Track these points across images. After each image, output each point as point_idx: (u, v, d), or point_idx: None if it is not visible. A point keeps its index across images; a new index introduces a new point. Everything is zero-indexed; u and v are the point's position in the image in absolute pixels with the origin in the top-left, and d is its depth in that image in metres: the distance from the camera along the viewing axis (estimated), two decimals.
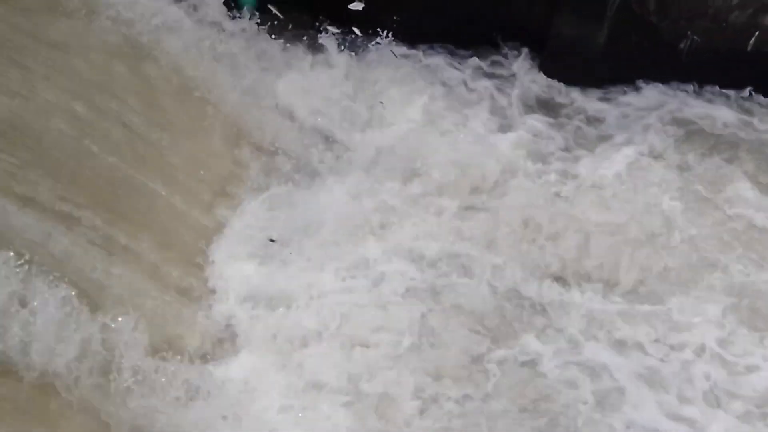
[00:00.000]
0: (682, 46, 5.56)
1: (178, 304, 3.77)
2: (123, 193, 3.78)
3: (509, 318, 4.19)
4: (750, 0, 5.22)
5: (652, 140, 5.31)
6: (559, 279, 4.42)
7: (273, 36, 5.41)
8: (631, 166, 5.07)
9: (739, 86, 5.75)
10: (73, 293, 3.19)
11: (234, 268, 4.18)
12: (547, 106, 5.72)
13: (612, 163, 5.09)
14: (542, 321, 4.20)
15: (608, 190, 4.90)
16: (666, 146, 5.28)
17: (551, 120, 5.56)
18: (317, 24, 5.71)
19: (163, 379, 3.43)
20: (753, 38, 5.42)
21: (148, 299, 3.58)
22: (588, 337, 4.11)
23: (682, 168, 5.11)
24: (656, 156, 5.20)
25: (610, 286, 4.39)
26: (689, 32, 5.47)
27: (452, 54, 6.00)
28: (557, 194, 4.90)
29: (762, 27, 5.35)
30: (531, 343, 4.07)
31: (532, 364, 3.99)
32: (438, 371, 3.89)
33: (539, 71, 5.95)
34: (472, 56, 5.97)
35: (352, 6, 5.46)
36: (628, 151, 5.18)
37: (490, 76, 5.86)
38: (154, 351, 3.49)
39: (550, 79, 5.88)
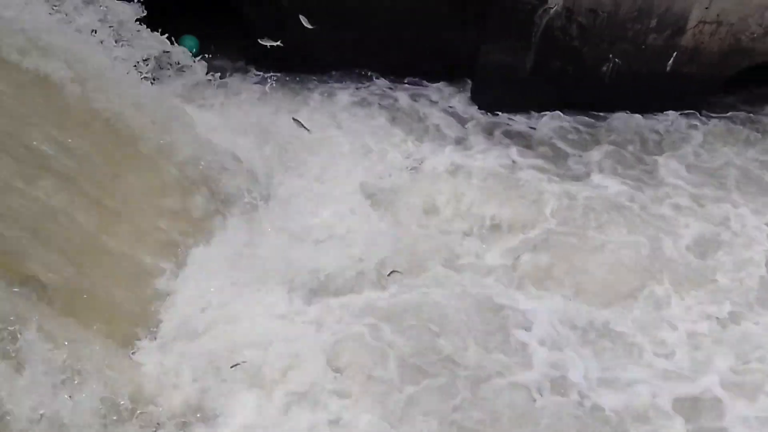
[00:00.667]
0: (604, 69, 5.72)
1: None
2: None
3: None
4: (666, 23, 5.42)
5: None
6: None
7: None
8: None
9: (659, 106, 5.97)
10: None
11: None
12: None
13: None
14: None
15: None
16: None
17: None
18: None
19: None
20: (671, 59, 5.63)
21: None
22: None
23: None
24: None
25: None
26: (611, 55, 5.65)
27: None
28: None
29: (679, 48, 5.56)
30: None
31: None
32: None
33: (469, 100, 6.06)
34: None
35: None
36: None
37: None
38: None
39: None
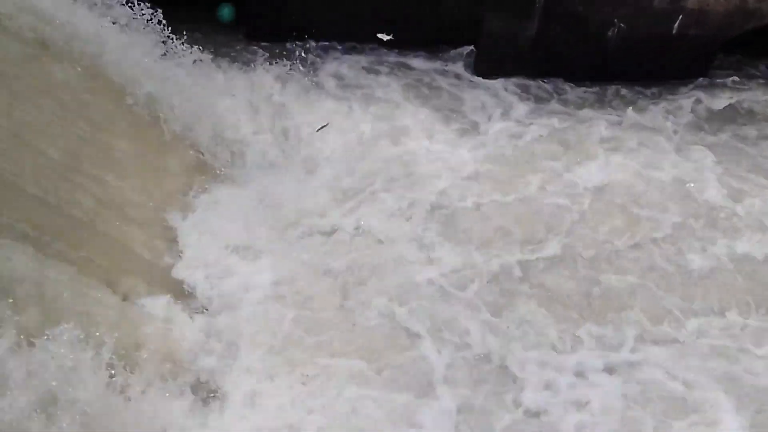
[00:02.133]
0: (609, 34, 5.64)
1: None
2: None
3: None
4: None
5: None
6: None
7: None
8: None
9: (664, 71, 5.91)
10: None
11: None
12: None
13: None
14: None
15: None
16: None
17: None
18: None
19: None
20: (677, 22, 5.56)
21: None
22: None
23: None
24: None
25: None
26: (615, 20, 5.56)
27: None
28: None
29: (685, 11, 5.49)
30: None
31: None
32: None
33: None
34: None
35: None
36: None
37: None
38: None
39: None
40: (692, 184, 4.93)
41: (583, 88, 5.90)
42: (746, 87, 5.98)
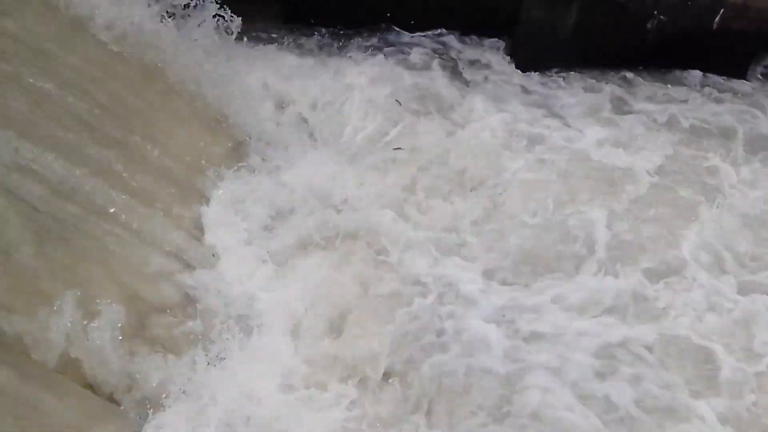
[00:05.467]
0: (649, 26, 5.61)
1: None
2: None
3: None
4: None
5: None
6: None
7: None
8: None
9: (704, 65, 5.85)
10: None
11: None
12: None
13: None
14: None
15: None
16: None
17: None
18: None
19: None
20: (718, 16, 5.51)
21: None
22: None
23: None
24: None
25: None
26: (656, 11, 5.53)
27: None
28: None
29: (727, 4, 5.44)
30: None
31: None
32: None
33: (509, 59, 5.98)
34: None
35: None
36: None
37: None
38: None
39: None
40: None
41: None
42: None
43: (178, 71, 4.50)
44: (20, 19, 3.72)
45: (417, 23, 6.08)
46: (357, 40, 5.97)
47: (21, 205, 3.17)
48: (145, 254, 3.61)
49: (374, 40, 5.99)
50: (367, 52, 5.81)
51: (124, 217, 3.60)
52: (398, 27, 6.10)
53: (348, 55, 5.77)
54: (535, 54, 5.87)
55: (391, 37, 6.06)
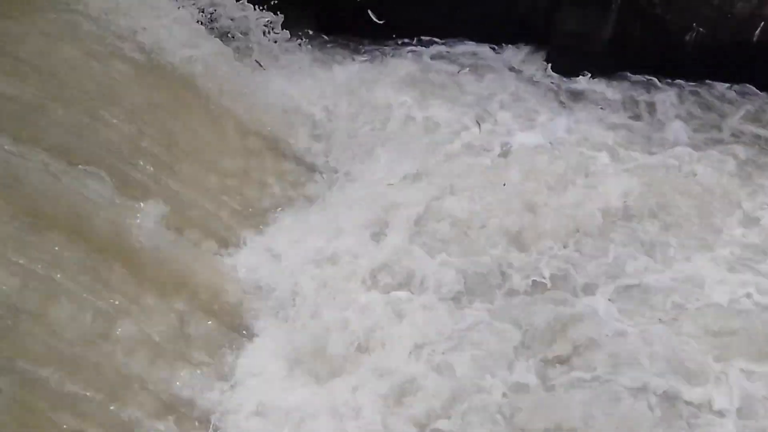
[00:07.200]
0: (687, 38, 5.54)
1: None
2: None
3: None
4: None
5: None
6: None
7: None
8: None
9: (743, 79, 5.76)
10: None
11: None
12: None
13: None
14: None
15: None
16: None
17: None
18: None
19: None
20: (758, 29, 5.42)
21: None
22: None
23: None
24: None
25: None
26: (694, 24, 5.46)
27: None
28: None
29: (767, 17, 5.34)
30: None
31: None
32: None
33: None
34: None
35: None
36: None
37: None
38: None
39: None
40: None
41: None
42: None
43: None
44: None
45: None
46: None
47: None
48: None
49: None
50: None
51: None
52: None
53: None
54: (571, 64, 5.85)
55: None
